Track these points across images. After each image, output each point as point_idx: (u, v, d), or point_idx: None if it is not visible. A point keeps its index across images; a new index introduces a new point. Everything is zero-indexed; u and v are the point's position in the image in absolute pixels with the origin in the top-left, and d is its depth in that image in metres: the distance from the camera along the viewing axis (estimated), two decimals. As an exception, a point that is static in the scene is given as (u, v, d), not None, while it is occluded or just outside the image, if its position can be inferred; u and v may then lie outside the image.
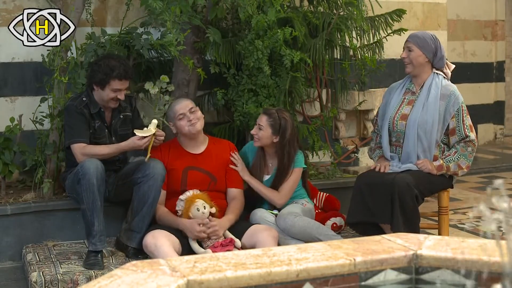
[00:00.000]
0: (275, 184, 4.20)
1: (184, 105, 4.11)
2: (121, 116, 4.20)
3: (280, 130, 4.13)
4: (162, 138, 4.03)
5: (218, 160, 4.18)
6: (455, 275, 2.17)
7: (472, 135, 4.01)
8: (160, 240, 3.70)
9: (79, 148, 3.96)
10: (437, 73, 4.06)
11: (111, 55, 4.23)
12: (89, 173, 3.77)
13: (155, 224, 3.98)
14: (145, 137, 3.89)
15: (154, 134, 3.91)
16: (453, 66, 4.19)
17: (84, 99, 4.08)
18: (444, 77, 4.08)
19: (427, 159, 3.98)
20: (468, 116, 4.03)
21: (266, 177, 4.25)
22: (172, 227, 3.90)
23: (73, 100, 4.10)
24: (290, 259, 2.13)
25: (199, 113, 4.13)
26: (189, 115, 4.06)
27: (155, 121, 3.96)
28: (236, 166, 4.18)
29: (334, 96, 5.36)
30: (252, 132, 4.20)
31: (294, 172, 4.20)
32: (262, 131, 4.13)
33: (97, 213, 3.82)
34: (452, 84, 4.09)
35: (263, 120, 4.15)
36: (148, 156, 3.94)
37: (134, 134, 3.98)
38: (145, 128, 3.96)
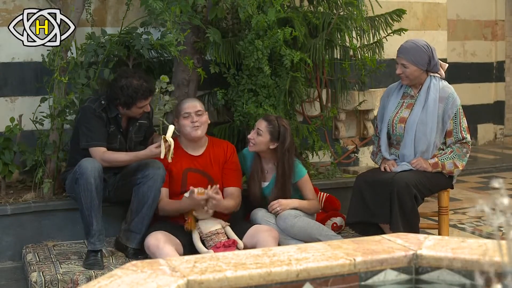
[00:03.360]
0: (278, 195, 4.14)
1: (192, 105, 4.10)
2: (137, 124, 4.20)
3: (280, 138, 4.11)
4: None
5: (216, 162, 4.19)
6: (455, 275, 2.17)
7: (468, 137, 4.03)
8: (163, 242, 3.71)
9: (100, 153, 3.94)
10: (433, 76, 4.06)
11: (129, 71, 4.13)
12: (87, 172, 3.77)
13: (156, 223, 3.99)
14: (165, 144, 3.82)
15: (166, 140, 3.77)
16: (447, 65, 4.19)
17: (103, 102, 4.06)
18: (440, 78, 4.08)
19: (420, 158, 3.98)
20: (465, 118, 4.05)
21: (265, 184, 4.22)
22: (173, 227, 3.92)
23: (92, 102, 4.06)
24: (290, 259, 2.13)
25: (204, 117, 4.11)
26: (194, 116, 4.06)
27: (171, 127, 3.88)
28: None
29: (334, 96, 5.36)
30: (250, 136, 4.17)
31: (304, 181, 4.20)
32: (261, 136, 4.11)
33: (95, 212, 3.82)
34: (450, 85, 4.10)
35: (262, 125, 4.12)
36: (170, 158, 3.82)
37: (145, 141, 4.00)
38: (168, 133, 3.85)
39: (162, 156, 3.79)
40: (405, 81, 4.08)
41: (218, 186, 3.92)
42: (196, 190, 3.95)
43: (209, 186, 3.91)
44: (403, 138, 4.04)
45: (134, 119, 4.18)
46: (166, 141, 3.77)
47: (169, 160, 3.81)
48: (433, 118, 3.97)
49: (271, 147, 4.13)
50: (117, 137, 4.11)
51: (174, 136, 3.82)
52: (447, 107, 4.00)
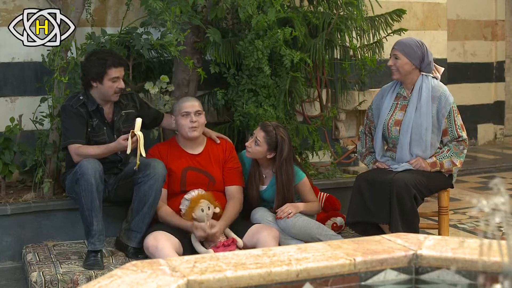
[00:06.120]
0: (279, 202, 4.11)
1: (191, 105, 4.11)
2: (123, 114, 4.19)
3: (277, 148, 4.08)
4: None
5: (215, 160, 4.19)
6: (455, 275, 2.17)
7: (464, 135, 4.02)
8: (161, 242, 3.71)
9: (74, 149, 3.96)
10: (425, 75, 4.05)
11: (99, 50, 4.23)
12: (87, 173, 3.77)
13: (155, 223, 3.98)
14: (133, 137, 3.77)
15: (135, 134, 3.73)
16: (442, 69, 4.16)
17: (81, 97, 4.06)
18: (433, 77, 4.06)
19: (419, 157, 3.98)
20: (459, 115, 4.04)
21: (263, 187, 4.21)
22: (173, 227, 3.91)
23: (69, 100, 4.08)
24: (290, 259, 2.13)
25: (202, 118, 4.12)
26: (193, 116, 4.06)
27: (139, 120, 3.81)
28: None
29: (334, 96, 5.36)
30: (247, 144, 4.14)
31: (303, 184, 4.18)
32: (258, 146, 4.08)
33: (96, 212, 3.82)
34: (442, 84, 4.08)
35: (260, 135, 4.08)
36: (138, 158, 3.78)
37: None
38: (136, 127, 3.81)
39: (128, 152, 3.77)
40: (396, 75, 4.06)
41: (211, 222, 3.87)
42: (192, 193, 3.95)
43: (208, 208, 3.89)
44: (399, 140, 4.03)
45: (118, 109, 4.16)
46: (134, 135, 3.74)
47: (143, 154, 3.76)
48: (427, 118, 3.97)
49: (269, 156, 4.12)
50: (103, 130, 4.09)
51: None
52: (440, 106, 3.99)
